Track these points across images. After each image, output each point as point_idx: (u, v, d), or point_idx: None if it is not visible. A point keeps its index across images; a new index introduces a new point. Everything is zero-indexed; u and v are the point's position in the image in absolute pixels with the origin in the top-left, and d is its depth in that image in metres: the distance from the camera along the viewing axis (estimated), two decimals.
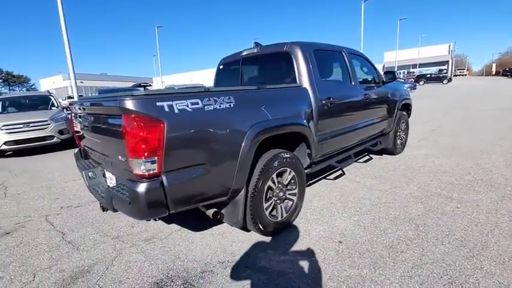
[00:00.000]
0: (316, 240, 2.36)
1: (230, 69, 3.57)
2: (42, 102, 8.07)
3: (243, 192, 2.07)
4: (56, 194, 3.93)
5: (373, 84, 3.98)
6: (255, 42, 3.28)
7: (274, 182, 2.35)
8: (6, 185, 4.51)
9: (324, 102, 2.83)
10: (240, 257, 2.18)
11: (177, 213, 2.14)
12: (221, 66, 3.71)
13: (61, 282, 2.02)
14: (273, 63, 3.10)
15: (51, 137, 6.69)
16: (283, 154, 2.35)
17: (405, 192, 3.25)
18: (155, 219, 2.90)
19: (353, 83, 3.42)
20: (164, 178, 1.67)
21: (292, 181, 2.58)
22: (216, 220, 2.21)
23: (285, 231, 2.52)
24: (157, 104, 1.62)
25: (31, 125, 6.54)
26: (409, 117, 5.26)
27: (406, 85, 23.56)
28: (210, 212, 2.07)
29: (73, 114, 2.65)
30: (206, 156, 1.83)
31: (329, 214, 2.81)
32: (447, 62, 48.70)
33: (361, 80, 3.89)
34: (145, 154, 1.58)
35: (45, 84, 49.85)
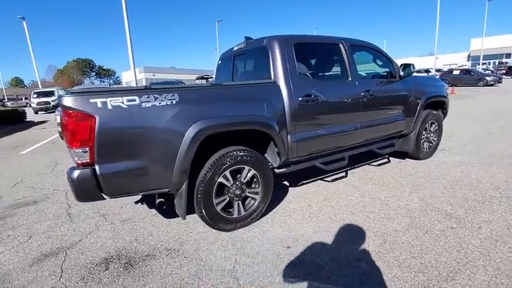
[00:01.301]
0: (265, 242, 2.30)
1: (226, 64, 3.62)
2: None
3: (185, 185, 2.15)
4: None
5: (384, 80, 3.54)
6: (245, 37, 3.24)
7: (227, 179, 2.36)
8: (58, 162, 5.48)
9: (301, 99, 2.67)
10: (186, 247, 2.29)
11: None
12: (220, 61, 3.78)
13: (43, 246, 2.44)
14: (255, 58, 3.04)
15: None
16: (236, 152, 2.33)
17: (401, 203, 2.87)
18: (141, 203, 3.20)
19: (350, 79, 3.11)
20: (97, 167, 1.87)
21: (255, 179, 2.55)
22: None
23: (243, 229, 2.52)
24: (91, 100, 1.80)
25: None
26: (445, 116, 4.52)
27: (489, 78, 19.98)
28: (157, 202, 2.22)
29: None
30: (143, 149, 1.97)
31: (298, 217, 2.69)
32: None
33: (366, 75, 3.51)
34: (78, 144, 1.80)
35: (126, 77, 57.12)
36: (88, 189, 1.87)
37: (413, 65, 3.52)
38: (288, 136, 2.68)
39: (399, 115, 3.67)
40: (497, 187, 3.12)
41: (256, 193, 2.57)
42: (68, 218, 2.97)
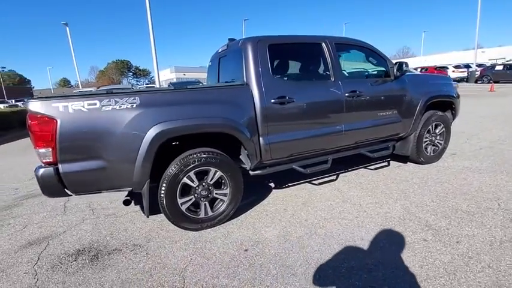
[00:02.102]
0: (226, 244, 2.32)
1: (214, 66, 3.67)
2: None
3: (146, 185, 2.25)
4: None
5: (376, 79, 3.35)
6: (229, 39, 3.27)
7: (191, 180, 2.41)
8: None
9: (273, 101, 2.64)
10: (151, 244, 2.39)
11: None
12: (210, 63, 3.84)
13: (33, 235, 2.70)
14: (233, 60, 3.03)
15: None
16: (200, 153, 2.38)
17: (381, 210, 2.72)
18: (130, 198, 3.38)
19: (333, 79, 2.99)
20: (60, 166, 2.02)
21: (223, 181, 2.57)
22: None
23: (210, 229, 2.56)
24: (53, 105, 1.96)
25: None
26: (454, 118, 4.16)
27: None
28: (123, 199, 2.35)
29: None
30: (103, 150, 2.09)
31: (268, 220, 2.67)
32: None
33: (355, 74, 3.36)
34: (41, 145, 1.96)
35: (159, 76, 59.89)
36: (52, 186, 2.04)
37: (406, 63, 3.28)
38: (261, 138, 2.67)
39: (394, 116, 3.45)
40: (498, 197, 2.81)
41: (225, 195, 2.59)
42: (63, 210, 3.24)
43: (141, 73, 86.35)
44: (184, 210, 2.43)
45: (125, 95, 2.13)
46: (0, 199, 3.76)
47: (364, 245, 2.17)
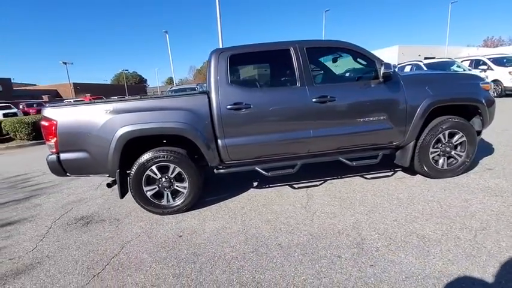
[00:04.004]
0: (171, 228, 2.76)
1: None
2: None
3: (117, 174, 2.88)
4: None
5: (359, 83, 3.11)
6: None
7: (154, 173, 2.93)
8: None
9: (229, 107, 2.88)
10: (126, 220, 3.04)
11: None
12: None
13: (68, 200, 3.76)
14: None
15: None
16: (159, 152, 2.86)
17: (329, 221, 2.63)
18: None
19: (298, 84, 2.97)
20: (61, 155, 2.85)
21: (183, 176, 3.00)
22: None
23: (171, 215, 3.04)
24: (54, 110, 2.78)
25: None
26: (483, 126, 3.37)
27: None
28: (106, 183, 3.07)
29: None
30: (86, 145, 2.81)
31: (219, 215, 2.95)
32: None
33: (333, 78, 3.19)
34: (48, 139, 2.81)
35: None
36: (56, 168, 2.89)
37: (387, 64, 2.91)
38: (218, 141, 2.96)
39: (383, 122, 3.12)
40: (483, 227, 2.30)
41: (184, 188, 3.01)
42: (97, 186, 4.30)
43: None
44: (149, 197, 2.98)
45: (103, 103, 2.80)
46: None
47: (277, 252, 2.24)
